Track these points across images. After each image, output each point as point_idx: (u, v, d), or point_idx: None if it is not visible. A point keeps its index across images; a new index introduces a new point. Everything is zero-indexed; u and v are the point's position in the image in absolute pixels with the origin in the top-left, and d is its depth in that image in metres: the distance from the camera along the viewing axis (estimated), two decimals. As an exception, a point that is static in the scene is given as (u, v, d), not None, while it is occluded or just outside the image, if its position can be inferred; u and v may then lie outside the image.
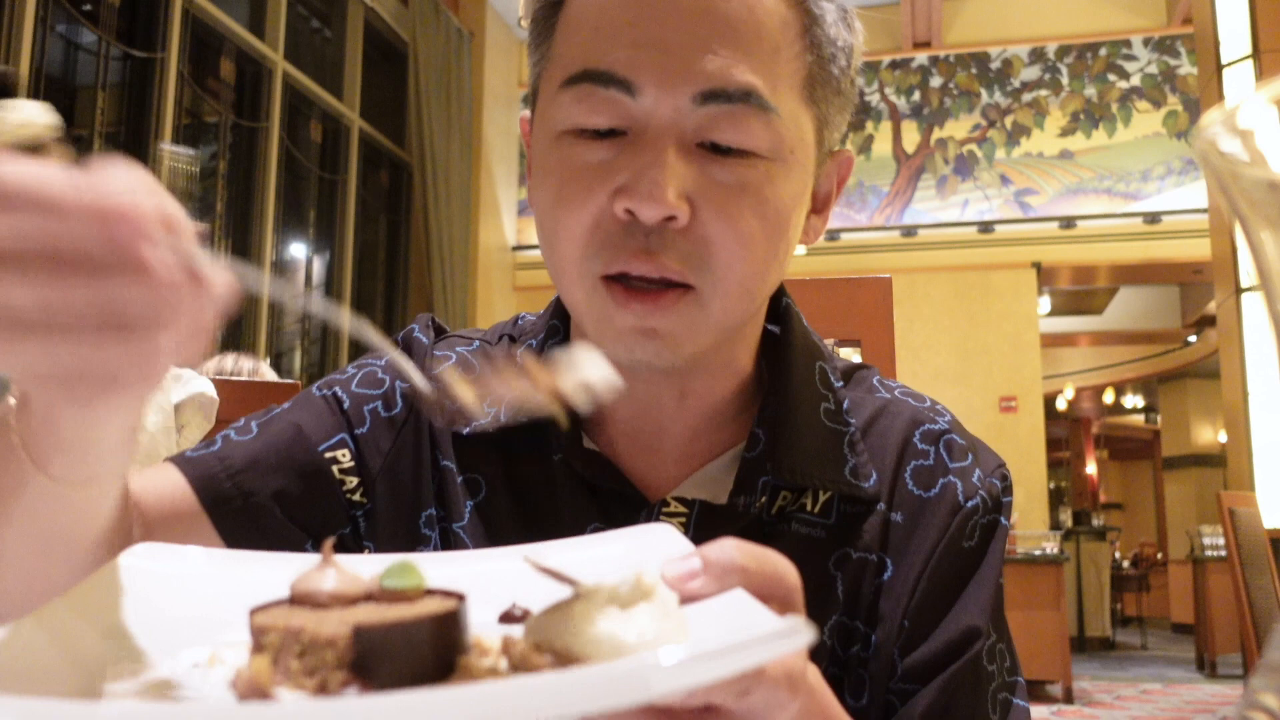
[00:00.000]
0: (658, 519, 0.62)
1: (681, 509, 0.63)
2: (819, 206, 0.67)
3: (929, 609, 0.64)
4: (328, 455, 0.68)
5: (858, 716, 0.63)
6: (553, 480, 0.66)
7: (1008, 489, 0.69)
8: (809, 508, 0.65)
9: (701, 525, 0.62)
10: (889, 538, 0.65)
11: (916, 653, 0.64)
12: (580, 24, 0.58)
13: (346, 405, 0.70)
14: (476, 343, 0.75)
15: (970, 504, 0.66)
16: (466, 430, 0.68)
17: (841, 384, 0.70)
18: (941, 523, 0.65)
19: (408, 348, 0.73)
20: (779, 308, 0.70)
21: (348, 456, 0.68)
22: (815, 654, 0.61)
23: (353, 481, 0.68)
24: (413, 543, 0.69)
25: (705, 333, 0.59)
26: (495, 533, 0.67)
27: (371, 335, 0.45)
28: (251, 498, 0.64)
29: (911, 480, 0.67)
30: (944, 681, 0.62)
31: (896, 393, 0.71)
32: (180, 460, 0.66)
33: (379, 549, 0.69)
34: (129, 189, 0.36)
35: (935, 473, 0.67)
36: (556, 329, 0.70)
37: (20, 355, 0.36)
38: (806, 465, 0.64)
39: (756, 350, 0.68)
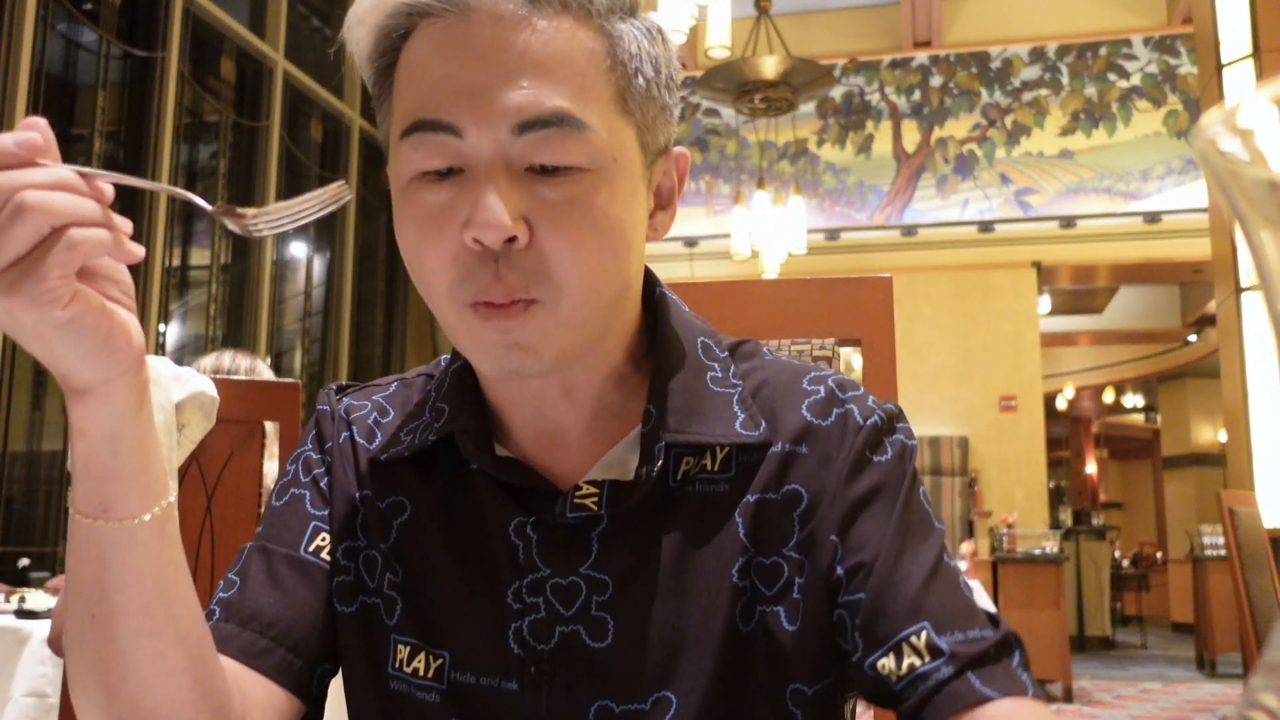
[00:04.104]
0: (572, 504, 0.68)
1: (593, 490, 0.68)
2: (663, 203, 0.73)
3: (865, 531, 0.67)
4: (311, 550, 0.75)
5: (794, 640, 0.66)
6: (473, 488, 0.72)
7: (902, 414, 0.73)
8: (709, 467, 0.70)
9: (613, 500, 0.68)
10: (795, 470, 0.69)
11: (900, 593, 0.66)
12: (409, 80, 0.66)
13: (308, 499, 0.76)
14: (394, 385, 0.82)
15: (870, 421, 0.71)
16: (385, 457, 0.75)
17: (726, 354, 0.75)
18: (847, 440, 0.70)
19: (319, 422, 0.80)
20: (654, 298, 0.76)
21: (326, 539, 0.75)
22: (731, 596, 0.66)
23: (329, 547, 0.75)
24: (337, 572, 0.75)
25: (561, 336, 0.65)
26: (425, 543, 0.73)
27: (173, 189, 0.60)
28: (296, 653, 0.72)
29: (809, 413, 0.71)
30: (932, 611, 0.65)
31: (782, 357, 0.77)
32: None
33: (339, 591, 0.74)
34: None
35: (830, 404, 0.72)
36: (458, 355, 0.77)
37: None
38: (698, 425, 0.69)
39: (636, 341, 0.74)
